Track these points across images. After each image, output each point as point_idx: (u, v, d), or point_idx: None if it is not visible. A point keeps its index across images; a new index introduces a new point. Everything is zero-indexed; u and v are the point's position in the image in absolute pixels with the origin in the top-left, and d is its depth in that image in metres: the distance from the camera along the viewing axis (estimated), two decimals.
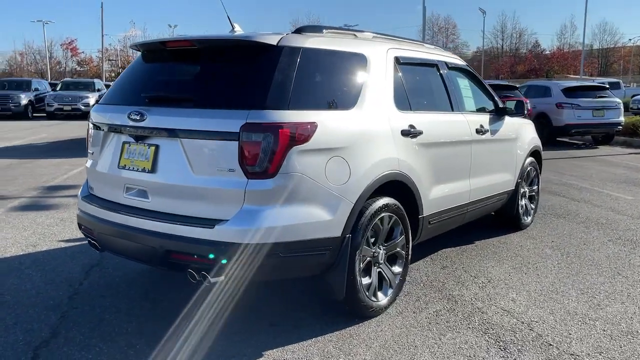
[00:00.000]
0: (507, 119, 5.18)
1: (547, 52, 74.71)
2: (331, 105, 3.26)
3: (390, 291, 3.66)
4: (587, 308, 3.73)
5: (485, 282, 4.22)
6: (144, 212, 3.17)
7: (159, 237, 3.03)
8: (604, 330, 3.39)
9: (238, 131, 2.86)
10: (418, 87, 4.19)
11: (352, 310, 3.43)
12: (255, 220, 2.88)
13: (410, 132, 3.73)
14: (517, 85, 16.52)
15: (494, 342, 3.23)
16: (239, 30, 3.73)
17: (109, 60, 65.07)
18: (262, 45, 3.12)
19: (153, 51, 3.59)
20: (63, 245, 5.08)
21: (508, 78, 60.27)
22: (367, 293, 3.43)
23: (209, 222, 2.92)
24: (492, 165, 4.92)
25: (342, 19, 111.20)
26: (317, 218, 3.06)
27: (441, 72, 4.40)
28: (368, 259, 3.47)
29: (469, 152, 4.48)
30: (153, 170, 3.14)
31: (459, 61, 4.90)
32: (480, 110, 4.95)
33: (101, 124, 3.50)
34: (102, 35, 59.14)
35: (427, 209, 3.96)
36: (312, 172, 3.01)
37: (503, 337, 3.28)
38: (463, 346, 3.17)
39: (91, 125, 3.62)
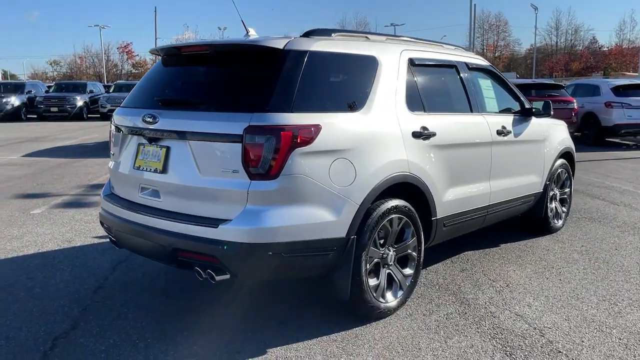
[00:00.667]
0: (534, 119, 5.06)
1: (605, 48, 71.81)
2: (337, 107, 3.29)
3: (400, 293, 3.66)
4: (606, 315, 3.62)
5: (503, 286, 4.15)
6: (156, 211, 3.30)
7: (168, 235, 3.15)
8: (620, 339, 3.28)
9: (241, 133, 2.94)
10: (434, 88, 4.17)
11: (359, 311, 3.45)
12: (258, 220, 2.95)
13: (422, 134, 3.71)
14: (565, 84, 15.98)
15: (501, 347, 3.18)
16: (253, 35, 3.81)
17: None
18: (268, 49, 3.19)
19: (170, 56, 3.72)
20: (96, 241, 5.32)
21: (562, 76, 58.29)
22: (374, 294, 3.44)
23: (214, 222, 3.01)
24: (515, 167, 4.82)
25: (390, 18, 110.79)
26: (321, 219, 3.10)
27: (460, 73, 4.35)
28: (376, 260, 3.48)
29: (489, 153, 4.41)
30: (164, 170, 3.26)
31: (481, 62, 4.82)
32: (504, 111, 4.86)
33: (121, 126, 3.65)
34: (156, 39, 60.82)
35: (441, 211, 3.93)
36: (315, 174, 3.06)
37: (511, 343, 3.23)
38: (468, 350, 3.14)
39: (113, 128, 3.78)
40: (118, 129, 3.72)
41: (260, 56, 3.23)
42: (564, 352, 3.12)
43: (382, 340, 3.26)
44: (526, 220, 5.58)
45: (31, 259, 4.78)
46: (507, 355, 3.09)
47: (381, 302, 3.50)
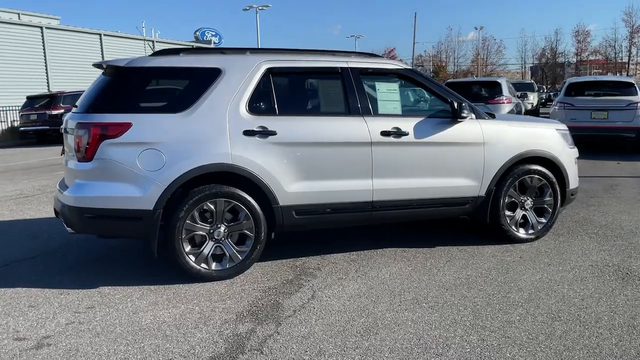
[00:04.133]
0: (469, 122, 4.98)
1: None
2: (156, 109, 4.24)
3: (231, 264, 4.40)
4: (383, 310, 3.75)
5: (354, 276, 4.45)
6: (61, 183, 4.75)
7: (57, 199, 4.57)
8: (349, 324, 3.50)
9: (74, 128, 4.18)
10: (296, 94, 4.69)
11: (185, 272, 4.33)
12: (79, 190, 4.17)
13: (257, 132, 4.35)
14: None
15: (244, 314, 3.74)
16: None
17: (419, 66, 69.61)
18: (115, 67, 4.34)
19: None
20: None
21: None
22: (193, 259, 4.28)
23: (64, 189, 4.32)
24: (422, 168, 4.84)
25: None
26: (128, 194, 4.12)
27: (345, 78, 4.70)
28: (200, 233, 4.31)
29: (367, 153, 4.64)
30: (63, 154, 4.70)
31: (390, 66, 4.94)
32: (412, 113, 4.97)
33: None
34: (414, 43, 64.22)
35: (287, 200, 4.46)
36: (124, 159, 4.10)
37: (259, 312, 3.75)
38: (212, 311, 3.79)
39: None
40: None
41: (113, 72, 4.39)
42: (261, 324, 3.55)
43: (177, 294, 4.11)
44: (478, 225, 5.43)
45: None
46: (239, 320, 3.66)
47: (203, 267, 4.32)
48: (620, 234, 5.59)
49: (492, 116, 5.46)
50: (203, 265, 4.33)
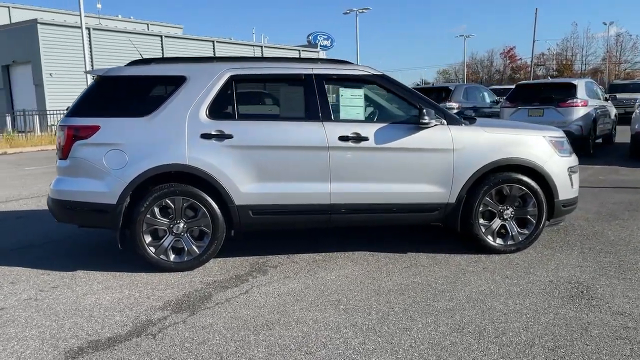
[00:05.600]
0: (438, 128, 4.92)
1: None
2: (123, 114, 4.69)
3: (188, 258, 4.76)
4: (297, 309, 3.90)
5: (301, 275, 4.62)
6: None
7: None
8: (253, 320, 3.71)
9: (57, 129, 4.78)
10: (257, 99, 4.92)
11: (143, 261, 4.76)
12: (58, 185, 4.76)
13: (214, 136, 4.68)
14: None
15: (171, 303, 4.08)
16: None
17: (539, 65, 65.89)
18: (97, 76, 4.88)
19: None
20: None
21: None
22: (153, 250, 4.70)
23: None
24: (384, 173, 4.86)
25: None
26: (95, 189, 4.63)
27: (307, 85, 4.86)
28: (160, 227, 4.72)
29: (324, 157, 4.76)
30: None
31: (357, 72, 4.98)
32: (377, 119, 5.01)
33: None
34: (533, 41, 60.09)
35: (242, 200, 4.73)
36: (93, 158, 4.62)
37: (184, 302, 4.07)
38: (147, 298, 4.18)
39: None
40: None
41: (96, 80, 4.94)
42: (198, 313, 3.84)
43: (132, 281, 4.56)
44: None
45: None
46: (163, 308, 4.01)
47: (162, 259, 4.73)
48: (618, 250, 5.18)
49: (472, 121, 5.33)
50: (162, 256, 4.74)
